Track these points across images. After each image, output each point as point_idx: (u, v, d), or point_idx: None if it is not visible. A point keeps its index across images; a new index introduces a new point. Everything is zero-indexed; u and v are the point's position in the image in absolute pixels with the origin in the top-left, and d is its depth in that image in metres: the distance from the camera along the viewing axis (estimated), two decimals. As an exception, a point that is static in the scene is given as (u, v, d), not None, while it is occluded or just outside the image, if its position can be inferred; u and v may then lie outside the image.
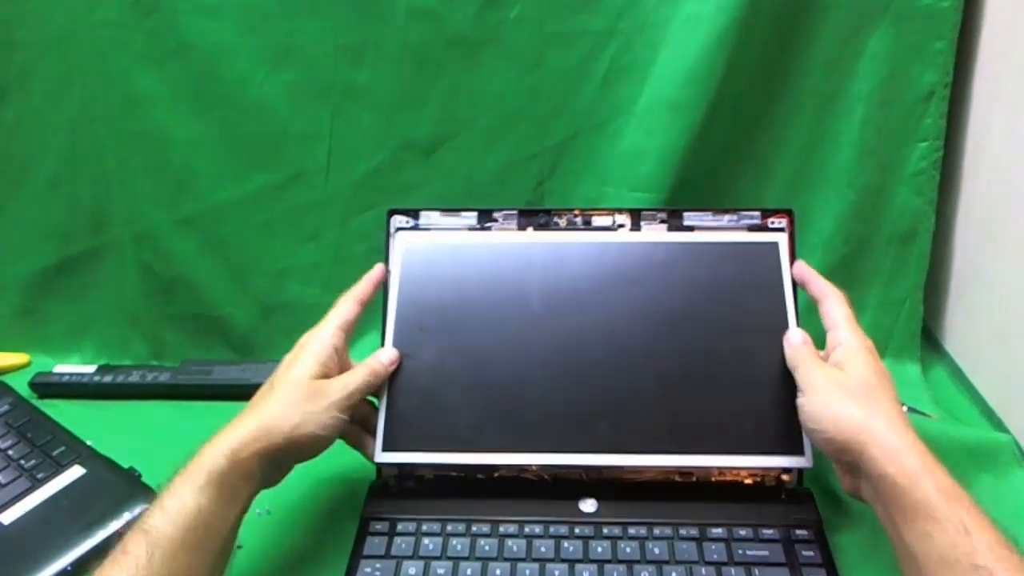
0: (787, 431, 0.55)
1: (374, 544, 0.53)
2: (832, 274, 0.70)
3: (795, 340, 0.54)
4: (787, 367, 0.54)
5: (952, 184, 0.70)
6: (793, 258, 0.58)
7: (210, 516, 0.44)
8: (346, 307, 0.56)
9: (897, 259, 0.72)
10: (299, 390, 0.50)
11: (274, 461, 0.49)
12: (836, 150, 0.70)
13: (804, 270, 0.57)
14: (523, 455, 0.56)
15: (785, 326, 0.56)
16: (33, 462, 0.62)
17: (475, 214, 0.60)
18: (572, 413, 0.57)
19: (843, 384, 0.49)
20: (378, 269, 0.59)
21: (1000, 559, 0.40)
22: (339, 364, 0.54)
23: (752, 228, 0.59)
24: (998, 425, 0.64)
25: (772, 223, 0.59)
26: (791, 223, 0.59)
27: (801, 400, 0.50)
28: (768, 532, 0.53)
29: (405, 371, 0.57)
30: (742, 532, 0.53)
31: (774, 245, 0.59)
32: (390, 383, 0.56)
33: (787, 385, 0.54)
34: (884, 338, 0.73)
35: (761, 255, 0.58)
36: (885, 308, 0.73)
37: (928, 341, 0.74)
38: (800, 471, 0.56)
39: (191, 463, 0.46)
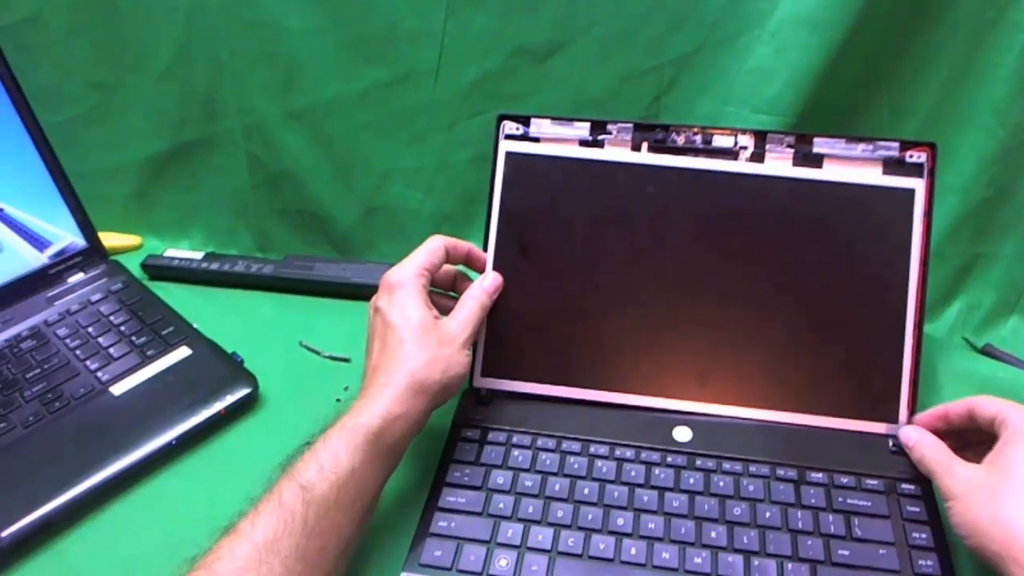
0: (885, 396, 0.53)
1: (464, 450, 0.54)
2: (967, 221, 0.66)
3: (913, 438, 0.50)
4: (893, 328, 0.52)
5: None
6: (931, 205, 0.53)
7: (364, 476, 0.44)
8: (434, 252, 0.54)
9: (1040, 207, 0.65)
10: (431, 336, 0.49)
11: (427, 412, 0.49)
12: (988, 84, 0.63)
13: (933, 418, 0.51)
14: (617, 395, 0.56)
15: (907, 283, 0.53)
16: (143, 339, 0.64)
17: (588, 124, 0.58)
18: (669, 353, 0.56)
19: (986, 485, 0.44)
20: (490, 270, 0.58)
21: None
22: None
23: (888, 163, 0.55)
24: None
25: (911, 157, 0.54)
26: (932, 158, 0.54)
27: (947, 506, 0.46)
28: (872, 483, 0.51)
29: (506, 295, 0.57)
30: (844, 479, 0.51)
31: (909, 193, 0.54)
32: (492, 307, 0.56)
33: (892, 347, 0.53)
34: (1015, 294, 0.68)
35: (894, 202, 0.54)
36: (1021, 261, 0.67)
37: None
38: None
39: (346, 419, 0.46)
